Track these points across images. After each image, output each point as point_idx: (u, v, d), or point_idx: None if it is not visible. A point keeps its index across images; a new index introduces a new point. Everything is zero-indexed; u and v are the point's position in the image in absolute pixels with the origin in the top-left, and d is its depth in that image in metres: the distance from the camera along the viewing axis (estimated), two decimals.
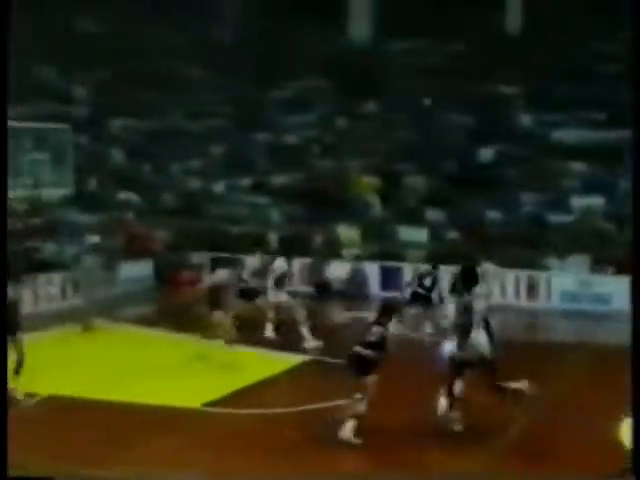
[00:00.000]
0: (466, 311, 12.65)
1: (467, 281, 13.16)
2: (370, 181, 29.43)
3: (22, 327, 15.09)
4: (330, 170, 30.89)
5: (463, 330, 12.62)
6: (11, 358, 14.55)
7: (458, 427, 12.88)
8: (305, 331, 18.73)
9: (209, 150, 33.37)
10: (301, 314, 18.93)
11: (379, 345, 12.46)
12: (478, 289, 13.08)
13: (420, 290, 19.93)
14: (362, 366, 12.44)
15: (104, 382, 15.30)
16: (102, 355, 17.65)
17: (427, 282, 19.90)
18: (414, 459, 11.86)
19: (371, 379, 12.42)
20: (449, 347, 12.83)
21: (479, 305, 12.70)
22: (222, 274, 18.00)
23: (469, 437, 12.58)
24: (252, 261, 20.26)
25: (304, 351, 18.04)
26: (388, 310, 13.03)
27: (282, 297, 19.04)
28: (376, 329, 12.55)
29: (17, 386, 14.46)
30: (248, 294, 18.88)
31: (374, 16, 37.21)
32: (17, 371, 14.57)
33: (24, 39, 34.43)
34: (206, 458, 11.83)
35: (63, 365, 16.61)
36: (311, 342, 18.57)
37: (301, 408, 13.85)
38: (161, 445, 12.32)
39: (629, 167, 17.29)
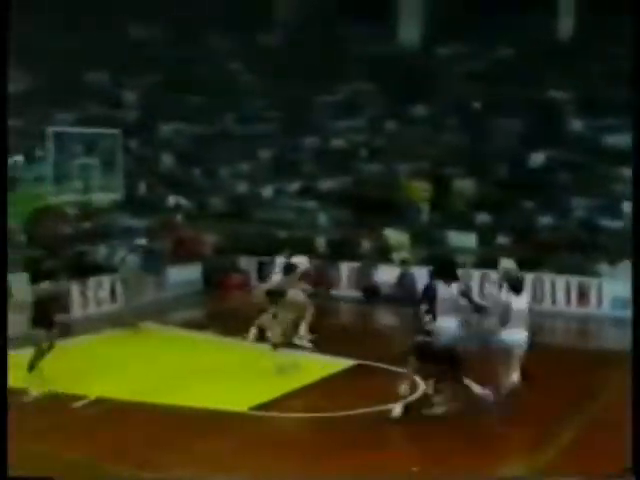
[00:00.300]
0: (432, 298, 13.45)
1: (441, 274, 13.89)
2: (419, 185, 29.28)
3: (58, 324, 15.72)
4: (379, 174, 30.83)
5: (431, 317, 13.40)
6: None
7: (440, 410, 13.45)
8: (304, 329, 18.67)
9: (258, 154, 33.46)
10: (310, 312, 18.82)
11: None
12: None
13: None
14: (428, 354, 13.14)
15: (152, 385, 15.37)
16: (150, 358, 17.74)
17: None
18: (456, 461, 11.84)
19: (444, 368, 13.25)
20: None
21: (447, 294, 13.40)
22: (278, 278, 17.98)
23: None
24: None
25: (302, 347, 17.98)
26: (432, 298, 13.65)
27: (299, 295, 18.81)
28: (430, 317, 13.32)
29: (34, 379, 14.92)
30: (275, 293, 18.59)
31: (424, 20, 37.11)
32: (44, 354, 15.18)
33: (75, 44, 35.00)
34: (252, 462, 11.82)
35: (111, 368, 16.68)
36: (305, 341, 18.52)
37: (348, 412, 13.81)
38: (208, 448, 12.35)
39: None
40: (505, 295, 13.76)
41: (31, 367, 15.04)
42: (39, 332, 15.22)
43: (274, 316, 17.01)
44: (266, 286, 17.13)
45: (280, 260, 19.12)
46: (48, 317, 15.36)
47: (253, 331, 18.68)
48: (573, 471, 11.26)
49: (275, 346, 16.41)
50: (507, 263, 16.85)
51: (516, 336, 13.55)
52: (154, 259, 25.14)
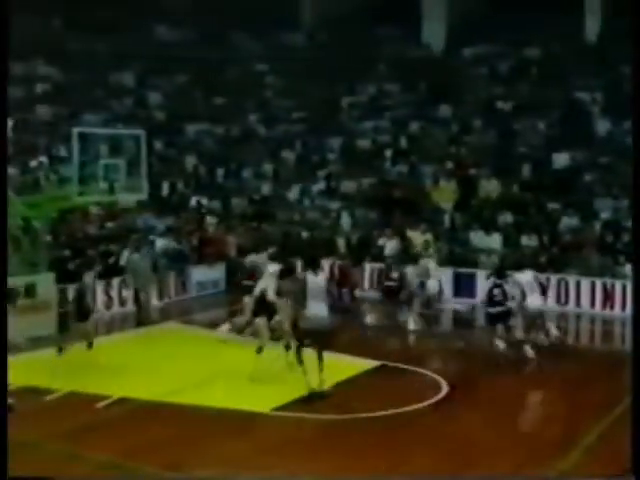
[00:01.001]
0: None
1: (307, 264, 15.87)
2: (444, 186, 29.19)
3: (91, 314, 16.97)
4: (404, 175, 30.78)
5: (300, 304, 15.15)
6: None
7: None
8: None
9: (282, 155, 33.49)
10: (286, 313, 18.60)
11: (504, 301, 17.39)
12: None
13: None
14: (504, 318, 17.37)
15: (175, 385, 15.39)
16: (173, 358, 17.74)
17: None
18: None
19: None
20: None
21: (314, 282, 14.96)
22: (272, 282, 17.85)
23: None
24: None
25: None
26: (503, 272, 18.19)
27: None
28: (497, 290, 17.44)
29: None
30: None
31: (449, 21, 37.07)
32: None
33: (102, 45, 35.20)
34: (274, 462, 11.81)
35: (134, 368, 16.74)
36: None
37: (372, 414, 13.79)
38: (230, 449, 12.35)
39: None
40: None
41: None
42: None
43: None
44: (272, 294, 16.83)
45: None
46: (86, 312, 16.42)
47: (227, 325, 18.96)
48: (592, 473, 11.21)
49: (260, 350, 16.23)
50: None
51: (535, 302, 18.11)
52: (179, 259, 25.23)
